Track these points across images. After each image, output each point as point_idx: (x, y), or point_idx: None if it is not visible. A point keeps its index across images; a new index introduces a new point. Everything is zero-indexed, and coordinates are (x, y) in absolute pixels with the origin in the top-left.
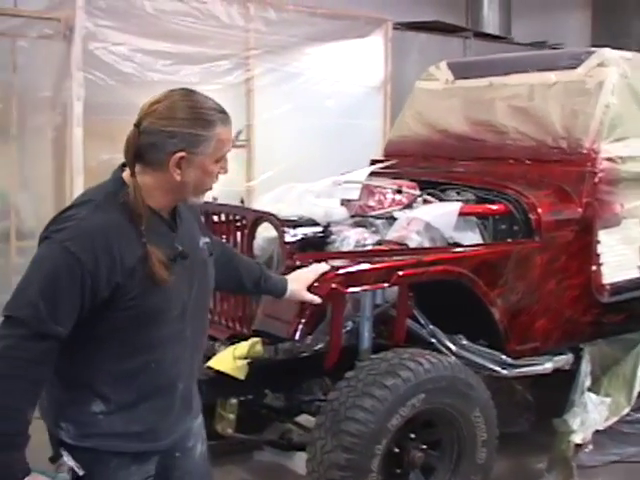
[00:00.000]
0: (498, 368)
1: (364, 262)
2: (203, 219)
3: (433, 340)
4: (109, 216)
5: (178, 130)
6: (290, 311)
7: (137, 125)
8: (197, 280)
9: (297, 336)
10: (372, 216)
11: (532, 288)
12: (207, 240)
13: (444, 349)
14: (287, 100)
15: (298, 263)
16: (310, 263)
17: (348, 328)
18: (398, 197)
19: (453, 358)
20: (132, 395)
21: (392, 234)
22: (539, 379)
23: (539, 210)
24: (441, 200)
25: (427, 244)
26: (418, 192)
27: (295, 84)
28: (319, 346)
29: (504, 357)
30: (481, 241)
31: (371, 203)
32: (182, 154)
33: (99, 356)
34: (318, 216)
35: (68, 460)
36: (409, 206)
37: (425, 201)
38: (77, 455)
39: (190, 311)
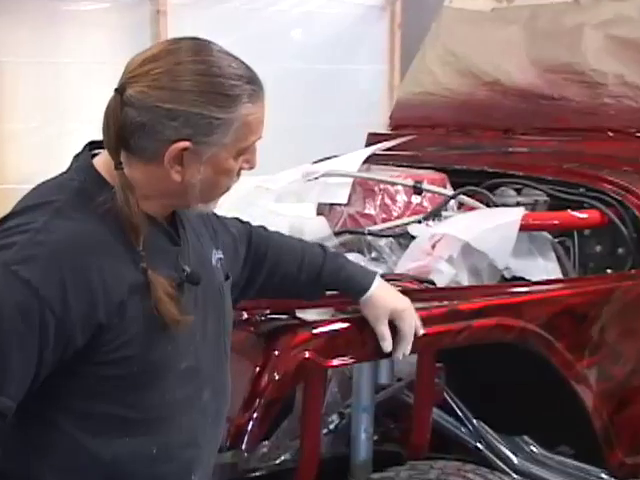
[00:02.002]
0: None
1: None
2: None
3: (479, 445)
4: (80, 225)
5: (182, 109)
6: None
7: (120, 91)
8: (212, 316)
9: (245, 442)
10: (372, 233)
11: None
12: (220, 255)
13: (499, 461)
14: (225, 30)
15: (245, 316)
16: (265, 317)
17: (332, 426)
18: (416, 199)
19: (515, 478)
20: None
21: (406, 263)
22: None
23: None
24: (490, 204)
25: (466, 280)
26: (449, 190)
27: (239, 2)
28: (282, 458)
29: (605, 476)
30: (559, 274)
31: (369, 210)
32: (185, 144)
33: (69, 440)
34: None
35: None
36: (435, 215)
37: (461, 206)
38: None
39: (206, 362)
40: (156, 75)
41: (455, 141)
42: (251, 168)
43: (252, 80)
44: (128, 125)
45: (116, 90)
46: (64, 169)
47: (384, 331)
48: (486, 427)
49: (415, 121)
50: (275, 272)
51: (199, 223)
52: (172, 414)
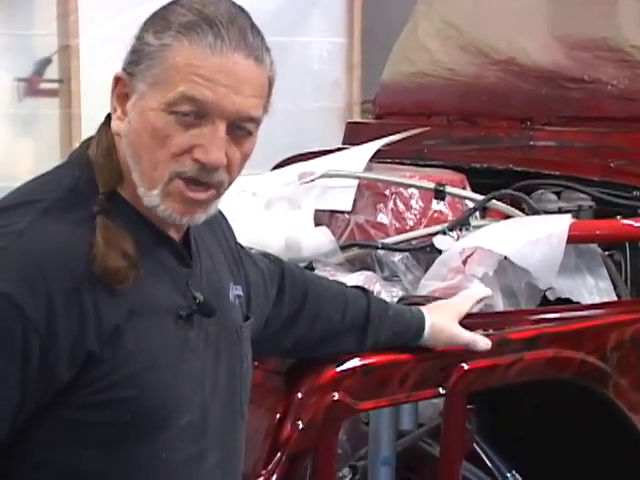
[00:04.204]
0: None
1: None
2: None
3: None
4: (71, 230)
5: (135, 36)
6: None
7: None
8: (225, 363)
9: None
10: (387, 247)
11: None
12: (239, 292)
13: None
14: None
15: None
16: None
17: None
18: (437, 206)
19: None
20: None
21: (431, 282)
22: None
23: None
24: (527, 211)
25: (501, 302)
26: (476, 195)
27: None
28: None
29: None
30: (612, 294)
31: (382, 219)
32: (118, 73)
33: None
34: (274, 249)
35: None
36: (462, 224)
37: (484, 214)
38: None
39: (214, 420)
40: None
41: (460, 133)
42: (206, 164)
43: (209, 19)
44: None
45: None
46: None
47: (472, 336)
48: None
49: (407, 108)
50: (317, 318)
51: (216, 248)
52: (167, 479)
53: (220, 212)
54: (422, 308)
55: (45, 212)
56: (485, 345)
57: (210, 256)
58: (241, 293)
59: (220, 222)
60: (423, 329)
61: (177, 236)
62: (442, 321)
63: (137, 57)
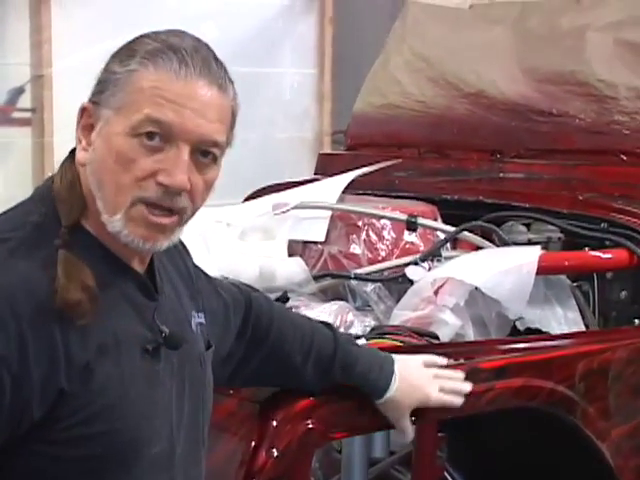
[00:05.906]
0: None
1: None
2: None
3: None
4: (39, 268)
5: (102, 69)
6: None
7: None
8: (189, 391)
9: None
10: (359, 277)
11: None
12: (201, 320)
13: None
14: (121, 24)
15: None
16: None
17: None
18: (409, 237)
19: None
20: None
21: (403, 312)
22: None
23: None
24: (497, 242)
25: (471, 332)
26: (447, 226)
27: None
28: None
29: None
30: (581, 325)
31: (355, 249)
32: (85, 104)
33: None
34: (248, 279)
35: None
36: (434, 255)
37: (456, 244)
38: None
39: (180, 448)
40: None
41: (431, 164)
42: (169, 187)
43: (174, 47)
44: None
45: None
46: None
47: (407, 427)
48: None
49: (378, 140)
50: (275, 357)
51: (177, 278)
52: None
53: (181, 242)
54: (395, 375)
55: (12, 251)
56: (409, 440)
57: (173, 286)
58: (203, 321)
59: (180, 252)
60: (384, 392)
61: (141, 268)
62: (403, 398)
63: (103, 86)
